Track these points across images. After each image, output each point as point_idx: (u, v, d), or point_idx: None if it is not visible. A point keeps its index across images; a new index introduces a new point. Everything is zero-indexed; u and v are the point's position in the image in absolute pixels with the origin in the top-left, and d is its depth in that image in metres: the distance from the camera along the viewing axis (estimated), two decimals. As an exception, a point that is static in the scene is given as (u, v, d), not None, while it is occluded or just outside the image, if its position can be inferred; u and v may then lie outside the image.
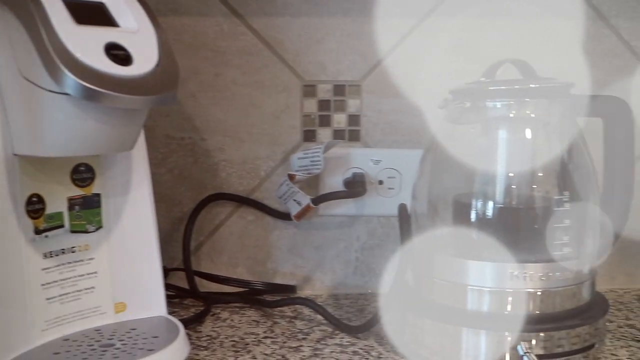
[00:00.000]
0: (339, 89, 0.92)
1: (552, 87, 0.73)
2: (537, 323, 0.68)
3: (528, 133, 0.73)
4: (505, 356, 0.67)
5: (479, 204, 0.72)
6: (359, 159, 0.92)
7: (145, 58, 0.62)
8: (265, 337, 0.79)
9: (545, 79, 0.75)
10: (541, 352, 0.68)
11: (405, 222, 0.77)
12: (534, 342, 0.67)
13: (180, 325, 0.71)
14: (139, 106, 0.63)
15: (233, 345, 0.76)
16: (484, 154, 0.73)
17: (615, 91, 0.92)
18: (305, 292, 0.94)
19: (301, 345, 0.76)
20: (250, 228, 0.93)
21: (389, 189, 0.92)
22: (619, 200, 0.79)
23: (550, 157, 0.73)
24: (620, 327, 0.83)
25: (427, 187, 0.76)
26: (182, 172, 0.92)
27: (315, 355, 0.74)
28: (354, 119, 0.92)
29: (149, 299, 0.74)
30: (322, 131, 0.92)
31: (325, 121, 0.92)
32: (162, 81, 0.63)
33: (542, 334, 0.68)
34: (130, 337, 0.68)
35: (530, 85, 0.72)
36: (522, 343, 0.67)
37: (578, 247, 0.73)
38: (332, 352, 0.75)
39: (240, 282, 0.92)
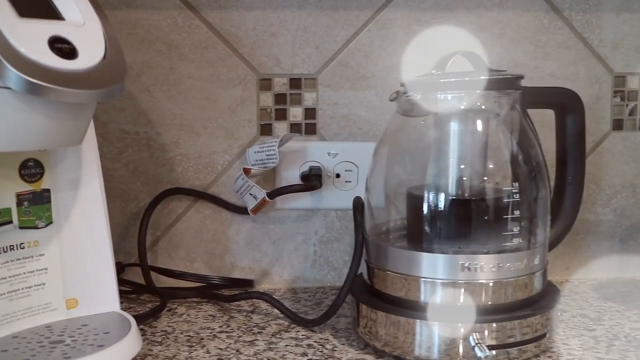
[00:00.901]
0: (295, 83, 0.91)
1: (502, 79, 0.73)
2: (489, 314, 0.69)
3: (479, 125, 0.73)
4: (458, 347, 0.68)
5: (431, 196, 0.72)
6: (316, 152, 0.91)
7: (91, 51, 0.61)
8: (221, 332, 0.78)
9: (496, 71, 0.75)
10: (493, 342, 0.68)
11: (359, 215, 0.77)
12: (486, 332, 0.68)
13: (133, 321, 0.71)
14: (85, 100, 0.62)
15: (188, 340, 0.76)
16: (434, 146, 0.74)
17: (568, 83, 0.93)
18: (263, 286, 0.94)
19: (256, 340, 0.76)
20: (207, 222, 0.93)
21: (346, 182, 0.92)
22: (571, 190, 0.81)
23: (500, 148, 0.73)
24: (574, 316, 0.84)
25: (380, 180, 0.77)
26: (138, 167, 0.91)
27: (270, 349, 0.74)
28: (310, 113, 0.92)
29: (101, 295, 0.73)
30: (278, 125, 0.92)
31: (281, 115, 0.92)
32: (109, 74, 0.62)
33: (494, 325, 0.68)
34: (81, 334, 0.68)
35: (481, 78, 0.72)
36: (474, 334, 0.68)
37: (529, 237, 0.74)
38: (286, 345, 0.75)
39: (197, 277, 0.91)
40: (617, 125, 0.97)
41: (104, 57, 0.62)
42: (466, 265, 0.69)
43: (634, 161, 0.98)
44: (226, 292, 0.91)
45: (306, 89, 0.92)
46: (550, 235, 0.80)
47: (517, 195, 0.71)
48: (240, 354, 0.73)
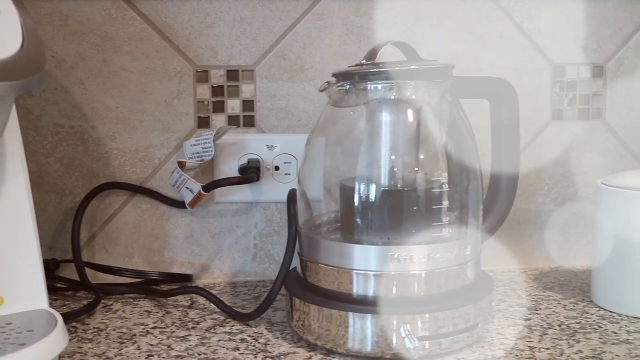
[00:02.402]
0: (232, 74, 0.90)
1: (432, 68, 0.73)
2: (420, 305, 0.69)
3: (409, 115, 0.73)
4: (389, 339, 0.67)
5: (361, 187, 0.71)
6: (254, 144, 0.91)
7: (7, 42, 0.60)
8: (154, 328, 0.77)
9: (426, 60, 0.75)
10: (425, 333, 0.68)
11: (292, 208, 0.76)
12: (418, 323, 0.68)
13: (59, 318, 0.69)
14: (1, 92, 0.60)
15: (119, 337, 0.75)
16: (364, 137, 0.73)
17: (508, 73, 0.93)
18: (204, 281, 0.93)
19: (189, 335, 0.75)
20: (145, 217, 0.91)
21: (286, 174, 0.91)
22: (506, 180, 0.81)
23: (431, 138, 0.73)
24: (511, 306, 0.84)
25: (312, 172, 0.76)
26: (73, 162, 0.89)
27: (202, 344, 0.73)
28: (248, 105, 0.91)
29: (28, 293, 0.72)
30: (216, 117, 0.91)
31: (219, 107, 0.91)
32: (26, 66, 0.61)
33: (426, 315, 0.68)
34: (4, 332, 0.66)
35: (410, 67, 0.72)
36: (405, 325, 0.67)
37: (460, 228, 0.74)
38: (220, 340, 0.74)
39: (134, 273, 0.90)
40: (557, 115, 0.97)
41: (21, 47, 0.61)
42: (396, 256, 0.68)
43: (574, 151, 0.98)
44: (165, 287, 0.90)
45: (244, 81, 0.91)
46: (485, 225, 0.80)
47: (447, 185, 0.71)
48: (172, 349, 0.72)
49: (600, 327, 0.77)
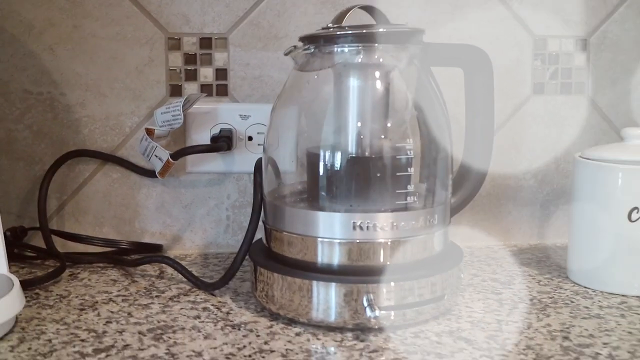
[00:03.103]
0: (205, 42, 0.89)
1: (399, 32, 0.71)
2: (384, 274, 0.67)
3: (375, 79, 0.71)
4: (352, 308, 0.66)
5: (326, 154, 0.70)
6: (227, 114, 0.89)
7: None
8: (118, 296, 0.76)
9: (395, 24, 0.73)
10: (392, 302, 0.67)
11: (259, 176, 0.74)
12: (384, 292, 0.66)
13: (17, 282, 0.68)
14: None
15: (81, 304, 0.73)
16: (329, 102, 0.71)
17: (488, 45, 0.91)
18: (175, 252, 0.92)
19: (152, 303, 0.74)
20: (116, 186, 0.90)
21: (259, 144, 0.90)
22: (480, 150, 0.79)
23: (397, 104, 0.71)
24: (484, 280, 0.82)
25: (277, 139, 0.74)
26: (42, 129, 0.88)
27: (163, 312, 0.71)
28: (221, 73, 0.89)
29: (-13, 257, 0.71)
30: (188, 86, 0.89)
31: (191, 75, 0.89)
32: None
33: (390, 285, 0.67)
34: (-41, 295, 0.65)
35: (377, 30, 0.70)
36: (367, 294, 0.66)
37: (427, 197, 0.72)
38: (182, 308, 0.72)
39: (103, 241, 0.88)
40: (538, 88, 0.95)
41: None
42: (359, 224, 0.67)
43: (555, 126, 0.96)
44: (135, 257, 0.89)
45: (217, 49, 0.89)
46: (458, 196, 0.78)
47: (412, 152, 0.69)
48: (131, 316, 0.70)
49: (572, 302, 0.75)
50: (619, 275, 0.78)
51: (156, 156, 0.84)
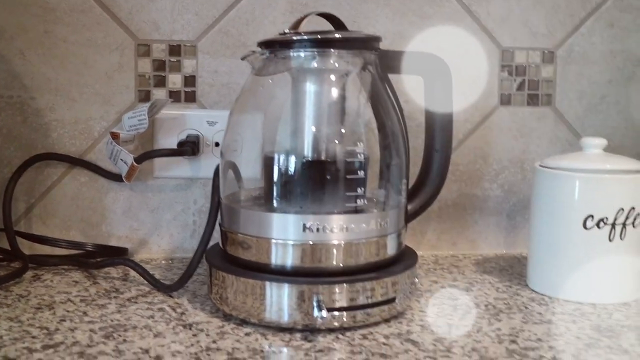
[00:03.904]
0: (174, 49, 0.90)
1: (354, 38, 0.73)
2: (337, 275, 0.68)
3: (327, 84, 0.72)
4: (302, 309, 0.66)
5: (280, 157, 0.71)
6: (195, 120, 0.90)
7: None
8: (77, 296, 0.77)
9: (351, 31, 0.74)
10: (342, 304, 0.67)
11: (216, 179, 0.75)
12: (334, 293, 0.67)
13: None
14: None
15: (38, 303, 0.74)
16: (283, 106, 0.73)
17: (455, 56, 0.92)
18: (142, 256, 0.93)
19: (109, 303, 0.75)
20: (83, 190, 0.91)
21: (225, 151, 0.91)
22: (438, 158, 0.80)
23: (351, 110, 0.72)
24: (444, 287, 0.83)
25: (234, 143, 0.75)
26: (11, 132, 0.89)
27: (119, 312, 0.72)
28: (189, 80, 0.91)
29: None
30: (157, 92, 0.91)
31: (160, 82, 0.90)
32: None
33: (342, 286, 0.67)
34: None
35: (332, 36, 0.71)
36: (316, 295, 0.66)
37: (380, 200, 0.73)
38: (137, 309, 0.73)
39: (69, 244, 0.89)
40: (505, 100, 0.96)
41: None
42: (309, 225, 0.68)
43: (522, 137, 0.97)
44: (99, 260, 0.89)
45: (186, 56, 0.90)
46: (415, 203, 0.79)
47: (362, 156, 0.70)
48: (86, 315, 0.71)
49: (527, 308, 0.76)
50: (575, 283, 0.78)
51: (122, 160, 0.85)
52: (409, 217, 0.79)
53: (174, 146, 0.89)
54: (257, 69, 0.73)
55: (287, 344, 0.65)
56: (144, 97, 0.90)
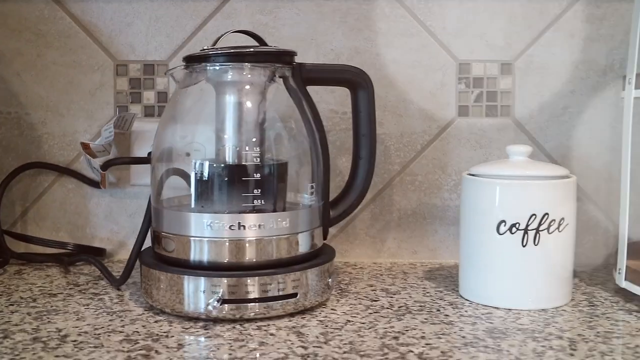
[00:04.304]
0: (148, 68, 0.99)
1: (266, 52, 0.79)
2: (245, 269, 0.74)
3: (238, 95, 0.78)
4: (205, 301, 0.73)
5: (197, 163, 0.78)
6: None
7: None
8: (39, 287, 0.86)
9: (266, 47, 0.80)
10: (240, 296, 0.73)
11: (153, 184, 0.83)
12: (234, 286, 0.73)
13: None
14: None
15: (2, 292, 0.84)
16: (201, 116, 0.80)
17: (411, 69, 0.96)
18: (121, 256, 1.02)
19: (60, 293, 0.84)
20: (70, 196, 1.02)
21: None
22: (362, 165, 0.84)
23: (259, 118, 0.78)
24: (374, 290, 0.86)
25: (160, 150, 0.82)
26: (10, 144, 1.01)
27: (64, 300, 0.81)
28: (162, 96, 1.00)
29: None
30: (133, 107, 1.00)
31: (136, 98, 1.00)
32: None
33: (246, 279, 0.73)
34: None
35: (246, 50, 0.78)
36: (215, 288, 0.72)
37: (281, 201, 0.78)
38: (81, 298, 0.82)
39: (53, 243, 1.00)
40: (463, 111, 0.98)
41: None
42: (208, 223, 0.74)
43: (481, 147, 0.98)
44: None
45: (158, 75, 0.99)
46: (341, 206, 0.84)
47: (272, 161, 0.75)
48: (35, 301, 0.80)
49: (438, 310, 0.78)
50: (491, 288, 0.79)
51: (94, 168, 0.95)
52: (334, 219, 0.83)
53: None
54: (178, 81, 0.80)
55: (185, 331, 0.71)
56: (122, 112, 1.00)
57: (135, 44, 0.99)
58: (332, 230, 0.99)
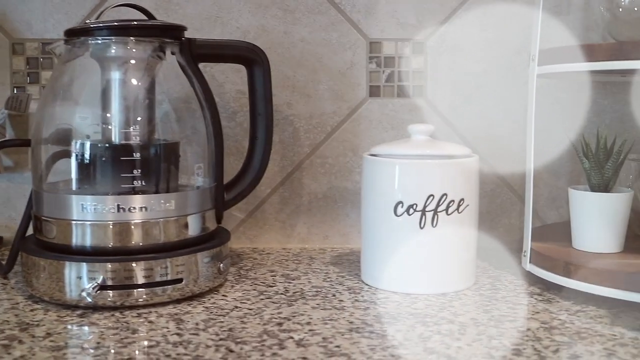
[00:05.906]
0: (46, 47, 0.95)
1: (152, 26, 0.75)
2: (118, 254, 0.70)
3: (125, 72, 0.74)
4: (83, 287, 0.69)
5: (75, 143, 0.74)
6: (67, 115, 0.93)
7: None
8: None
9: (154, 20, 0.77)
10: (120, 282, 0.69)
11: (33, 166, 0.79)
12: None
13: None
14: None
15: None
16: (82, 93, 0.76)
17: (320, 48, 0.93)
18: (21, 245, 0.97)
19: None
20: (-35, 182, 0.97)
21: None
22: (259, 145, 0.81)
23: (141, 95, 0.74)
24: (274, 276, 0.82)
25: (41, 128, 0.78)
26: None
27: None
28: (61, 76, 0.95)
29: None
30: (31, 88, 0.95)
31: (34, 78, 0.95)
32: None
33: (129, 264, 0.70)
34: None
35: (129, 24, 0.74)
36: (94, 273, 0.69)
37: (164, 182, 0.74)
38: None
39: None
40: (374, 91, 0.95)
41: None
42: (86, 205, 0.70)
43: (393, 128, 0.95)
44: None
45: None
46: (237, 188, 0.81)
47: (146, 139, 0.72)
48: None
49: (333, 295, 0.75)
50: (389, 272, 0.76)
51: (-12, 151, 0.91)
52: (229, 202, 0.80)
53: (45, 139, 0.94)
54: (61, 57, 0.76)
55: (59, 319, 0.67)
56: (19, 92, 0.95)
57: (32, 21, 0.95)
58: (240, 215, 0.96)
